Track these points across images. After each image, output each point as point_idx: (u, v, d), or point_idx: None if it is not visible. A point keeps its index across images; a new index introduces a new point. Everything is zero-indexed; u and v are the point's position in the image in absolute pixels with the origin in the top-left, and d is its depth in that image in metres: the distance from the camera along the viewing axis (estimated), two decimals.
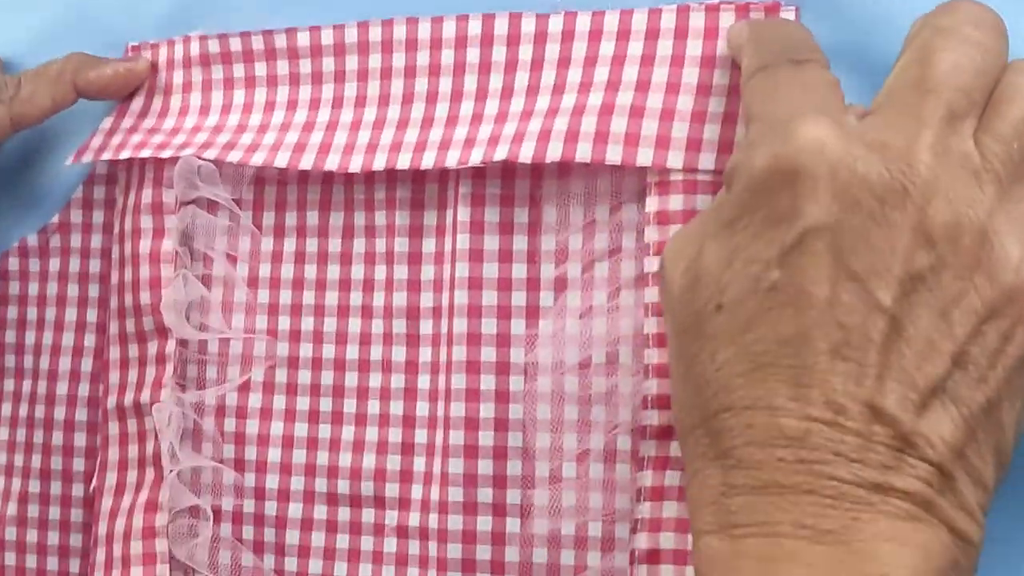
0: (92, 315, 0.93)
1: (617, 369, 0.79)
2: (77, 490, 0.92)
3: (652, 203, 0.77)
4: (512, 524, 0.80)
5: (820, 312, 0.57)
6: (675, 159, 0.76)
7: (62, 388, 0.93)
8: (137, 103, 0.91)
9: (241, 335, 0.88)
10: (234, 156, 0.86)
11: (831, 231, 0.57)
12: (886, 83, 0.62)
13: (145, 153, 0.87)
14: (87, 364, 0.93)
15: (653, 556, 0.75)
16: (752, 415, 0.58)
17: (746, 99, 0.66)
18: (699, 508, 0.60)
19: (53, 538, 0.93)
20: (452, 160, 0.80)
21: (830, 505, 0.56)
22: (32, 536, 0.93)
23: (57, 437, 0.93)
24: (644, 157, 0.76)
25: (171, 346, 0.87)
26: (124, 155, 0.88)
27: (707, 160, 0.76)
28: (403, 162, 0.82)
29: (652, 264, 0.76)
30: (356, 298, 0.85)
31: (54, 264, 0.94)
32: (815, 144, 0.58)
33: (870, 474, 0.56)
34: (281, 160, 0.84)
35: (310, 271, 0.86)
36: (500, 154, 0.78)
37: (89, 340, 0.93)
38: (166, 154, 0.87)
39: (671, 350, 0.64)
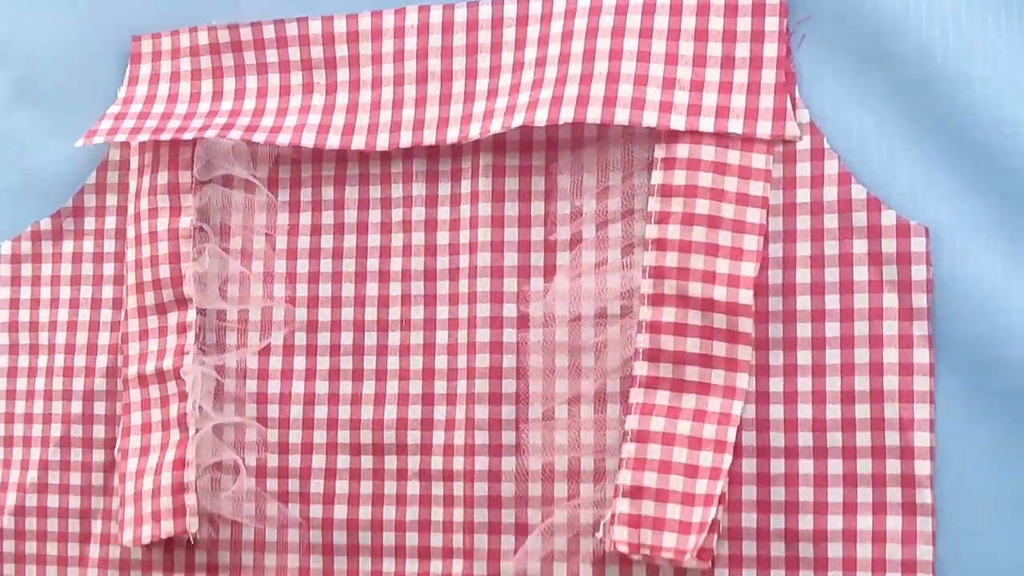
0: (108, 292, 0.90)
1: (617, 321, 0.80)
2: (98, 456, 0.90)
3: (658, 177, 0.78)
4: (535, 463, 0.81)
5: None
6: (678, 122, 0.78)
7: (80, 360, 0.90)
8: (142, 90, 0.89)
9: (260, 303, 0.86)
10: (258, 138, 0.84)
11: None
12: None
13: (165, 136, 0.86)
14: (104, 337, 0.90)
15: (636, 492, 0.76)
16: None
17: None
18: None
19: (74, 502, 0.90)
20: (475, 132, 0.80)
21: None
22: (53, 501, 0.90)
23: (76, 406, 0.90)
24: (649, 119, 0.78)
25: (191, 315, 0.86)
26: (142, 138, 0.86)
27: (707, 123, 0.78)
28: (428, 138, 0.82)
29: (653, 231, 0.78)
30: (373, 264, 0.85)
31: (67, 246, 0.91)
32: None
33: None
34: (307, 140, 0.84)
35: (327, 241, 0.85)
36: (517, 121, 0.79)
37: (105, 315, 0.90)
38: (187, 136, 0.85)
39: None
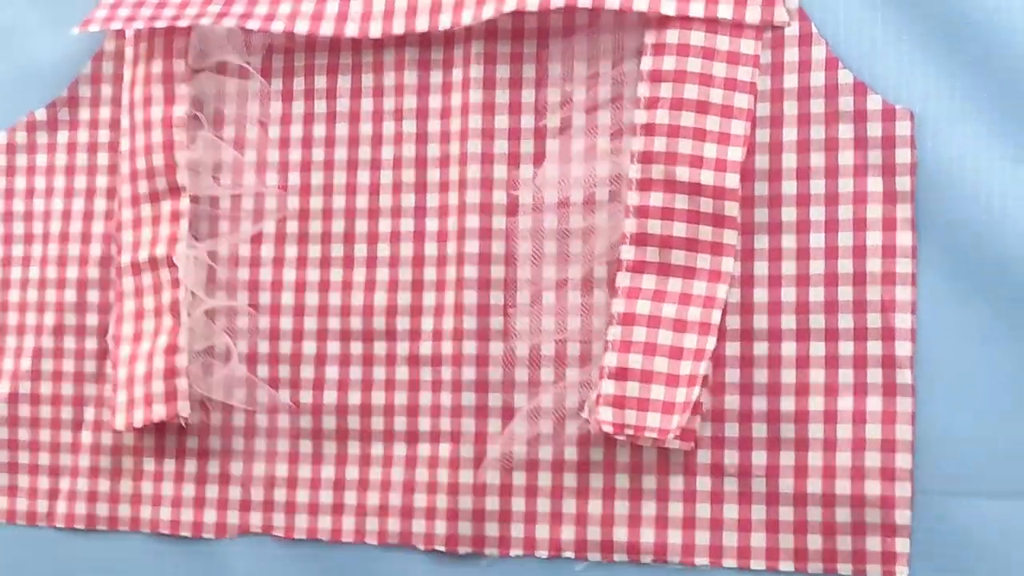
0: (102, 181, 0.91)
1: (605, 207, 0.81)
2: (90, 343, 0.90)
3: (647, 62, 0.79)
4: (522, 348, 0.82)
5: None
6: (668, 7, 0.78)
7: (74, 249, 0.91)
8: None
9: (253, 190, 0.86)
10: (252, 24, 0.84)
11: None
12: None
13: (160, 24, 0.86)
14: (99, 227, 0.91)
15: (621, 374, 0.77)
16: None
17: None
18: None
19: (67, 389, 0.91)
20: (467, 18, 0.81)
21: None
22: (47, 388, 0.91)
23: (70, 295, 0.90)
24: (640, 3, 0.78)
25: (184, 203, 0.86)
26: (137, 26, 0.86)
27: (697, 8, 0.78)
28: (421, 25, 0.82)
29: (642, 116, 0.78)
30: (365, 152, 0.85)
31: (63, 136, 0.92)
32: None
33: None
34: (301, 28, 0.84)
35: (319, 130, 0.86)
36: (509, 6, 0.79)
37: (100, 205, 0.91)
38: (182, 23, 0.86)
39: None
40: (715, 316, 0.77)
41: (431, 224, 0.83)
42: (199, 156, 0.87)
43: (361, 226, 0.85)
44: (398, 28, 0.82)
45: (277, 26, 0.84)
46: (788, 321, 0.77)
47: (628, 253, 0.78)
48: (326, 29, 0.84)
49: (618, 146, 0.80)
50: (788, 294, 0.77)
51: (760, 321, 0.77)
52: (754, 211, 0.78)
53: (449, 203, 0.83)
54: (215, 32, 0.87)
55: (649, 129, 0.78)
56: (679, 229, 0.77)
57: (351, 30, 0.83)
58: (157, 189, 0.87)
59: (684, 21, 0.78)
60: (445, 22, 0.81)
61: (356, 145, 0.85)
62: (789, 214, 0.77)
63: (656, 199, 0.78)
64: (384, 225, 0.84)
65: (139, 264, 0.87)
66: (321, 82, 0.86)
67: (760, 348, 0.77)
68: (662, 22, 0.78)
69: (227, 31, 0.87)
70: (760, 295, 0.77)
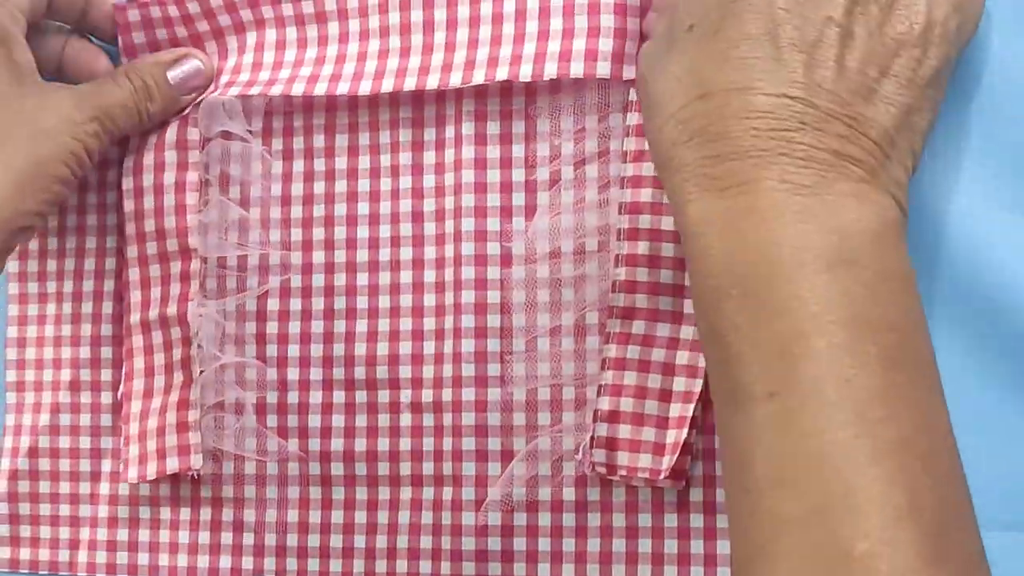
0: (111, 241, 0.94)
1: (595, 256, 0.84)
2: (106, 398, 0.94)
3: (632, 118, 0.82)
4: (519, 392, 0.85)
5: (782, 15, 0.61)
6: None
7: (87, 307, 0.94)
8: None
9: (258, 248, 0.89)
10: (255, 91, 0.88)
11: None
12: None
13: None
14: (109, 285, 0.94)
15: (614, 416, 0.81)
16: (726, 96, 0.61)
17: None
18: (679, 185, 0.63)
19: (85, 442, 0.94)
20: (456, 80, 0.84)
21: (803, 165, 0.60)
22: (65, 442, 0.94)
23: (85, 351, 0.94)
24: (629, 72, 0.81)
25: (195, 265, 0.89)
26: None
27: None
28: (408, 85, 0.85)
29: (628, 170, 0.81)
30: (363, 207, 0.88)
31: (72, 198, 0.95)
32: None
33: (831, 142, 0.60)
34: (297, 90, 0.87)
35: (319, 187, 0.89)
36: (500, 75, 0.83)
37: (110, 263, 0.94)
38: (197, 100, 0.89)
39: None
40: (702, 359, 0.80)
41: (429, 276, 0.86)
42: (210, 218, 0.90)
43: (362, 279, 0.88)
44: (387, 87, 0.85)
45: (276, 90, 0.87)
46: None
47: (618, 300, 0.81)
48: (320, 89, 0.87)
49: (605, 198, 0.83)
50: None
51: None
52: None
53: (446, 255, 0.86)
54: (218, 102, 0.90)
55: (636, 181, 0.81)
56: (666, 276, 0.80)
57: (343, 88, 0.86)
58: (167, 250, 0.90)
59: None
60: (433, 82, 0.84)
61: (355, 201, 0.88)
62: None
63: (643, 247, 0.81)
64: (384, 278, 0.87)
65: (148, 323, 0.90)
66: (319, 141, 0.89)
67: None
68: None
69: (227, 101, 0.90)
70: None
